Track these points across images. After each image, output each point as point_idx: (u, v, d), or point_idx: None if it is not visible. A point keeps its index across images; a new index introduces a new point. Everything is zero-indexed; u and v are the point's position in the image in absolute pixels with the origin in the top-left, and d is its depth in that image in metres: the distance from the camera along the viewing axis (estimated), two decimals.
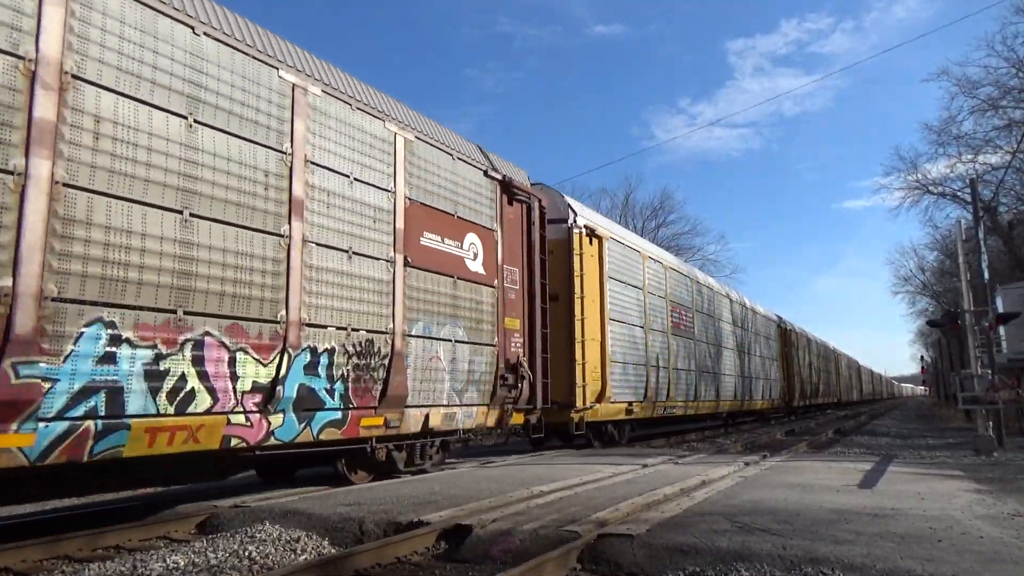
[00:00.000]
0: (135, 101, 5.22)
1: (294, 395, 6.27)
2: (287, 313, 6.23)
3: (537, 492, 6.49)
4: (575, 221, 12.19)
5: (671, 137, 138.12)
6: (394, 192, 7.69)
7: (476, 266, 8.95)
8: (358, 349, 7.03)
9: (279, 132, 6.39)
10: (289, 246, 6.36)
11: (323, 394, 6.63)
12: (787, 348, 28.33)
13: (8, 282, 4.35)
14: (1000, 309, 18.37)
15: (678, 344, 16.21)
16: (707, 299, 19.06)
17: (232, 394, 5.70)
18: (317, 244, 6.68)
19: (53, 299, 4.56)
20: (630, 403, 13.35)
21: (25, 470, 4.45)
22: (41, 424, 4.47)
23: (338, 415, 6.81)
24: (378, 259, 7.40)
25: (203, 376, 5.48)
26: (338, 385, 6.79)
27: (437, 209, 8.40)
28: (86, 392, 4.71)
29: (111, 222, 4.94)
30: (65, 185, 4.69)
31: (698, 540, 4.36)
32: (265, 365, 6.00)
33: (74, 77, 4.82)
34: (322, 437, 6.61)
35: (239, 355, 5.78)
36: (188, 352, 5.40)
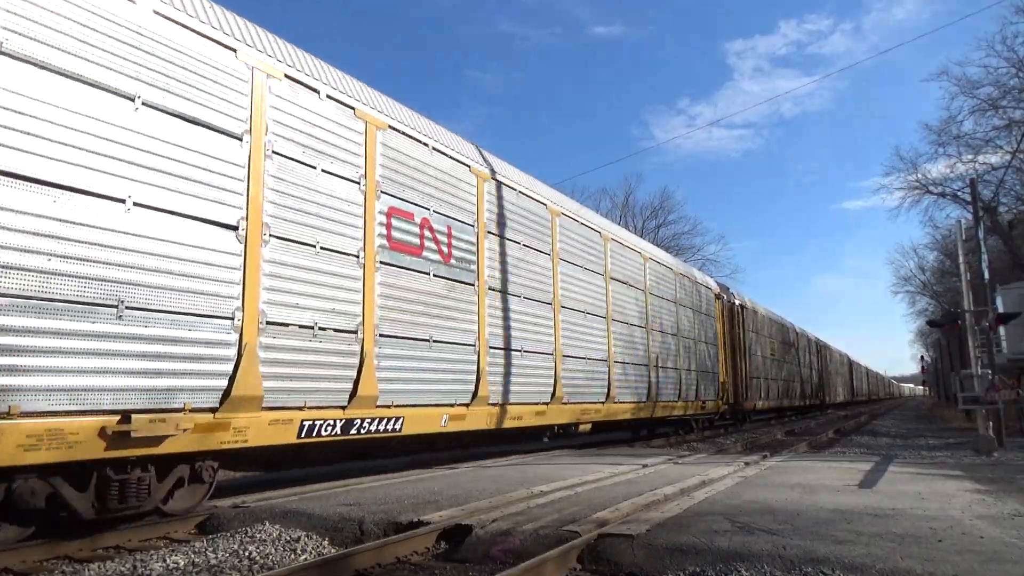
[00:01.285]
0: None
1: None
2: None
3: (537, 492, 6.49)
4: None
5: (671, 137, 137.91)
6: None
7: None
8: None
9: None
10: None
11: None
12: (735, 331, 20.88)
13: None
14: (1000, 309, 18.37)
15: (426, 289, 8.19)
16: (540, 225, 10.95)
17: None
18: None
19: None
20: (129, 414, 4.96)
21: None
22: None
23: None
24: None
25: None
26: None
27: None
28: None
29: None
30: None
31: (698, 540, 4.36)
32: None
33: None
34: None
35: None
36: None
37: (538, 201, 11.02)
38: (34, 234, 4.59)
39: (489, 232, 9.63)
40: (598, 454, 11.34)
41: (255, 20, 6.53)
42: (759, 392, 22.88)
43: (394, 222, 7.87)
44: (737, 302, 21.73)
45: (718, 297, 20.16)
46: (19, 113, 4.60)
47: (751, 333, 22.62)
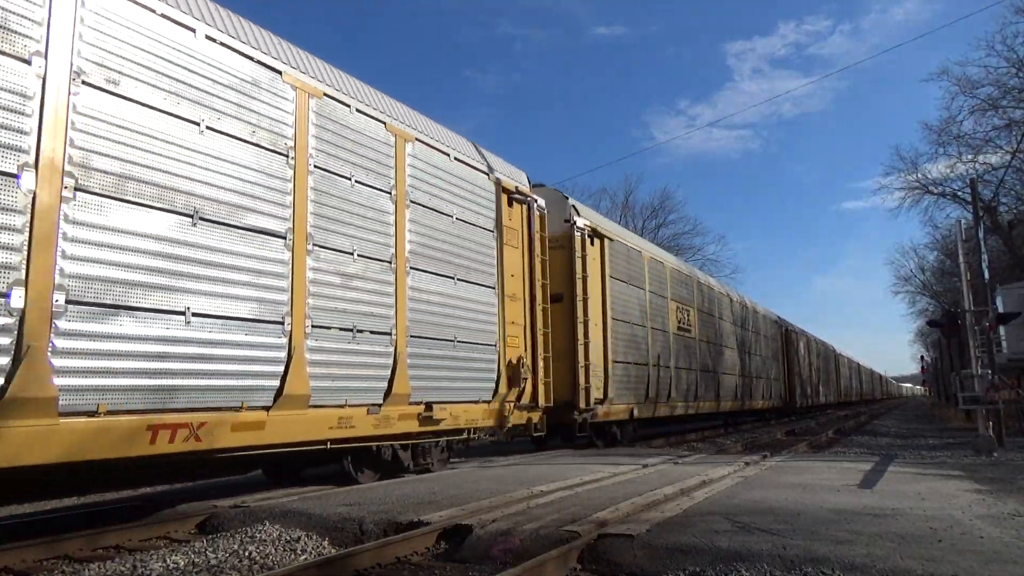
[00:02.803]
0: None
1: None
2: None
3: (537, 492, 6.49)
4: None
5: (670, 138, 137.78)
6: None
7: None
8: None
9: None
10: None
11: None
12: (576, 271, 11.97)
13: None
14: (1000, 309, 18.38)
15: None
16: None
17: None
18: None
19: None
20: None
21: None
22: None
23: None
24: None
25: None
26: None
27: None
28: None
29: None
30: None
31: (698, 540, 4.36)
32: None
33: None
34: None
35: None
36: None
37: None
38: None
39: None
40: (598, 454, 11.33)
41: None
42: (644, 388, 14.02)
43: None
44: (581, 222, 12.25)
45: (512, 198, 10.11)
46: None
47: (618, 283, 13.36)
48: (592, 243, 12.67)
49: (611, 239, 13.45)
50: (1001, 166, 27.32)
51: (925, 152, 38.26)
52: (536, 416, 10.26)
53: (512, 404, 9.60)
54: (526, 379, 9.83)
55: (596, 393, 11.99)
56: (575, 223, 12.16)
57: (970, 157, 28.75)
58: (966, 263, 13.66)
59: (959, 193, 30.59)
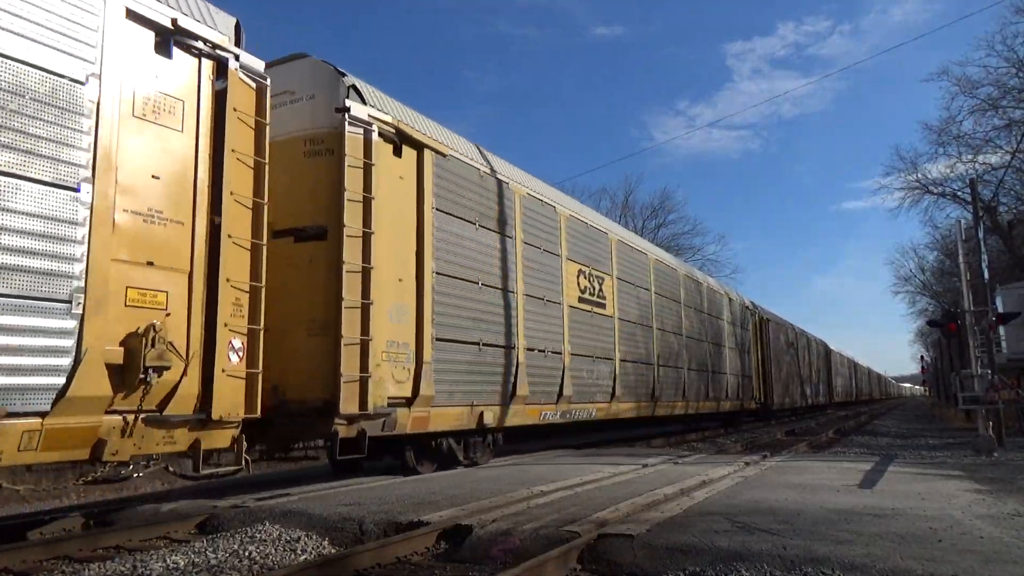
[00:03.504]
0: None
1: None
2: None
3: (537, 492, 6.49)
4: None
5: (670, 138, 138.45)
6: None
7: None
8: None
9: None
10: None
11: None
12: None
13: None
14: (1000, 309, 18.38)
15: None
16: None
17: None
18: None
19: None
20: None
21: None
22: None
23: None
24: None
25: None
26: None
27: None
28: None
29: None
30: None
31: (698, 540, 4.36)
32: None
33: None
34: None
35: None
36: None
37: None
38: None
39: None
40: (598, 454, 11.33)
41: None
42: (509, 382, 9.69)
43: None
44: (364, 112, 7.67)
45: (170, 40, 5.64)
46: None
47: (453, 220, 8.97)
48: (398, 153, 8.17)
49: (440, 152, 8.78)
50: (1001, 166, 27.33)
51: (925, 152, 38.17)
52: (213, 437, 5.77)
53: (132, 417, 5.12)
54: (169, 367, 5.28)
55: (394, 388, 7.67)
56: (349, 113, 7.51)
57: (970, 157, 28.76)
58: (966, 263, 13.66)
59: (959, 193, 30.61)
